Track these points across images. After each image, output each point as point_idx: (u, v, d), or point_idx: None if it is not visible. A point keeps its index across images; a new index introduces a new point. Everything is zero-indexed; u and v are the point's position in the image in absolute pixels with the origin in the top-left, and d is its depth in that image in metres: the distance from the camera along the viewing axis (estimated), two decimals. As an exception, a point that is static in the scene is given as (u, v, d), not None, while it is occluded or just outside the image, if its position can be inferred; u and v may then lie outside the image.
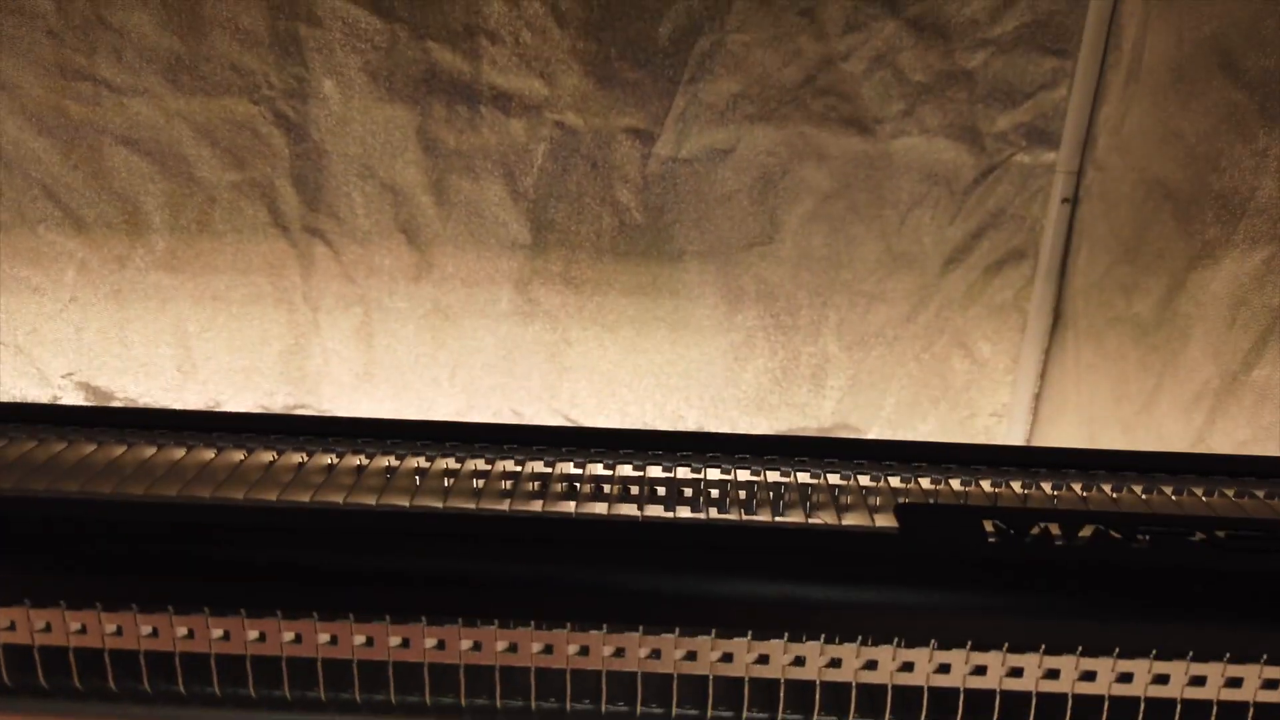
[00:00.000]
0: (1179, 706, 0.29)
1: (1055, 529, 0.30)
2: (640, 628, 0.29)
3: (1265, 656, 0.28)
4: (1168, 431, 0.82)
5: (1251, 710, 0.29)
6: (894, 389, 1.13)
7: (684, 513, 0.33)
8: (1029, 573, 0.28)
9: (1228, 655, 0.28)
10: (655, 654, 0.29)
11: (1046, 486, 0.34)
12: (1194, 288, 0.80)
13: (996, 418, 1.13)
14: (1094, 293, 0.98)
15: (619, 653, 0.30)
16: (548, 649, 0.29)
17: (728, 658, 0.29)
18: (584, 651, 0.30)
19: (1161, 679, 0.28)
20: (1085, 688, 0.29)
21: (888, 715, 0.30)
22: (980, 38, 1.01)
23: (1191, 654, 0.28)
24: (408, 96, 1.02)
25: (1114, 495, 0.34)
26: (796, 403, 1.13)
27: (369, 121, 1.03)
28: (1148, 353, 0.86)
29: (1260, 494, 0.34)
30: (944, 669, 0.29)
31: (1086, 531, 0.30)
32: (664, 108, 1.03)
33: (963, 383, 1.12)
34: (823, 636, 0.29)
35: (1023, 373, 1.09)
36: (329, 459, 0.37)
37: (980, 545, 0.29)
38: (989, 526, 0.30)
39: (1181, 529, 0.30)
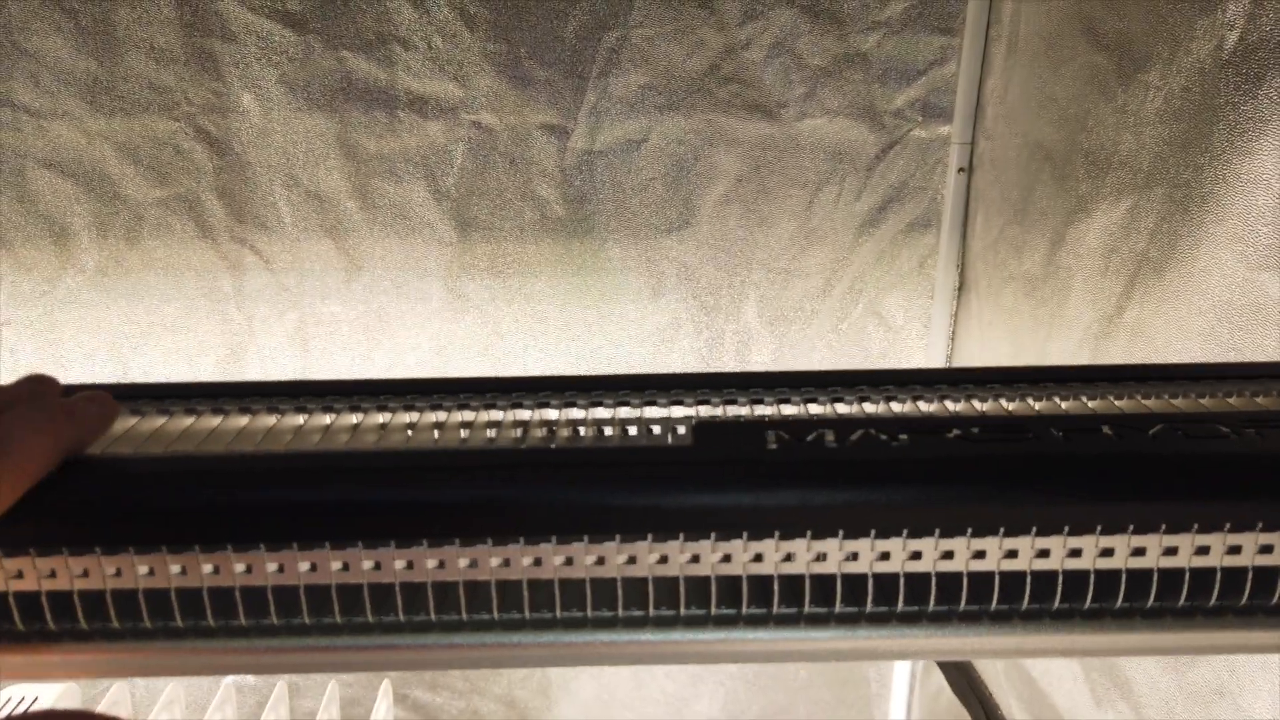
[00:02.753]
0: (933, 579, 0.34)
1: (830, 435, 0.35)
2: (489, 540, 0.34)
3: (1002, 530, 0.33)
4: (1058, 377, 0.87)
5: (997, 578, 0.34)
6: (816, 360, 1.18)
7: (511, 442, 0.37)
8: (801, 472, 0.33)
9: (970, 530, 0.33)
10: (474, 564, 0.34)
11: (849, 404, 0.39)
12: (1072, 241, 0.85)
13: (914, 381, 1.18)
14: (990, 254, 1.03)
15: (442, 565, 0.34)
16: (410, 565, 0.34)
17: (538, 562, 0.34)
18: (442, 565, 0.34)
19: (915, 555, 0.33)
20: (851, 567, 0.34)
21: (682, 606, 0.34)
22: (872, 20, 1.06)
23: (939, 531, 0.33)
24: (326, 105, 1.05)
25: (904, 405, 0.39)
26: (724, 379, 1.18)
27: (289, 132, 1.06)
28: (1037, 306, 0.91)
29: (1014, 396, 0.40)
30: (726, 559, 0.33)
31: (856, 435, 0.34)
32: (576, 103, 1.07)
33: (880, 349, 1.17)
34: (618, 537, 0.33)
35: (934, 336, 1.15)
36: (327, 418, 0.41)
37: (761, 451, 0.34)
38: (772, 436, 0.35)
39: (938, 428, 0.35)
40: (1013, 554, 0.34)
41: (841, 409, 0.39)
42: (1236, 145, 0.64)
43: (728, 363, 1.18)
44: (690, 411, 0.39)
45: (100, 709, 1.03)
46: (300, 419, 0.41)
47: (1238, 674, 0.66)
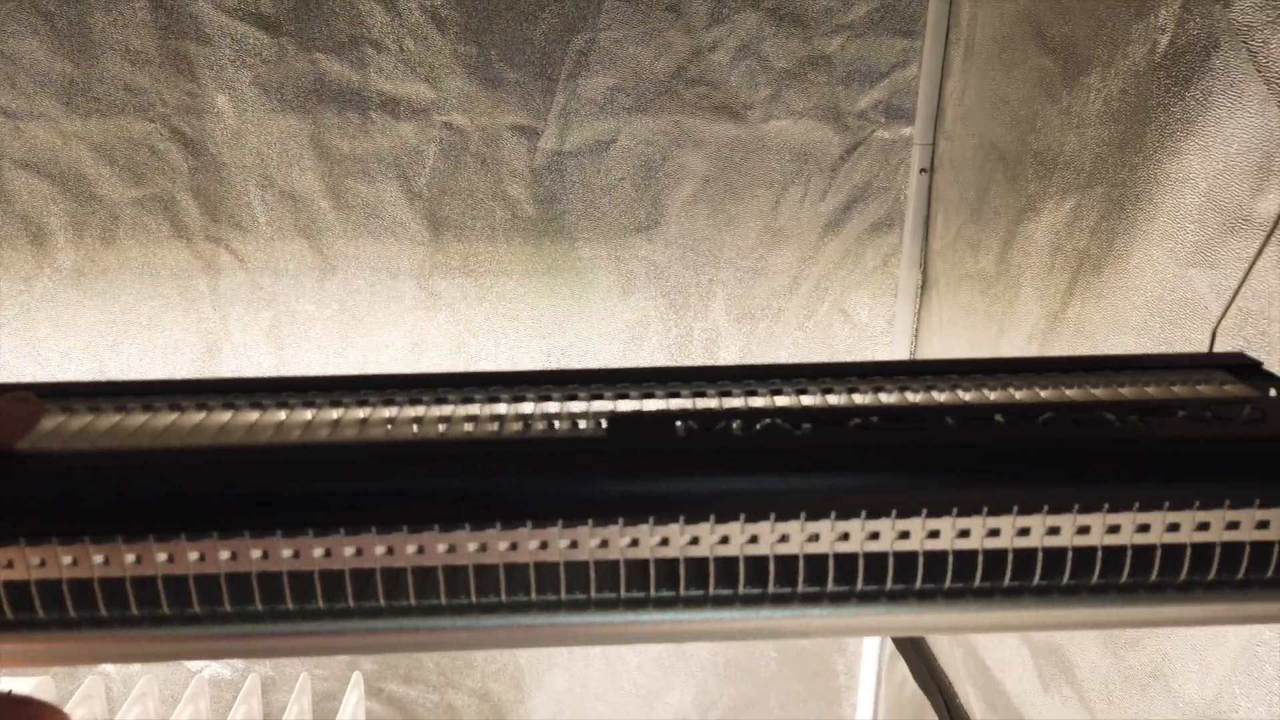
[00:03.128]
0: (830, 559, 0.36)
1: (737, 425, 0.37)
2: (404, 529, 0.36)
3: (895, 511, 0.35)
4: (1010, 372, 0.89)
5: (891, 558, 0.36)
6: (783, 356, 1.20)
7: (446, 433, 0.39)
8: (707, 460, 0.35)
9: (864, 513, 0.35)
10: (390, 551, 0.36)
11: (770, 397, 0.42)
12: (1022, 239, 0.88)
13: (879, 377, 1.20)
14: (949, 253, 1.06)
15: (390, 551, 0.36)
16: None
17: (453, 549, 0.36)
18: (360, 553, 0.36)
19: (813, 537, 0.35)
20: (752, 549, 0.36)
21: (592, 590, 0.36)
22: (836, 24, 1.09)
23: (834, 514, 0.35)
24: (299, 107, 1.07)
25: (810, 399, 0.41)
26: (693, 376, 1.20)
27: (264, 133, 1.08)
28: (991, 303, 0.94)
29: (918, 387, 0.42)
30: (634, 543, 0.35)
31: (762, 424, 0.36)
32: (546, 104, 1.09)
33: (845, 346, 1.19)
34: (529, 523, 0.35)
35: (898, 333, 1.17)
36: (308, 413, 0.43)
37: (670, 440, 0.36)
38: (680, 426, 0.37)
39: (840, 418, 0.37)
40: (904, 535, 0.36)
41: (755, 402, 0.41)
42: (1166, 145, 0.67)
43: (696, 360, 1.20)
44: (610, 405, 0.41)
45: (74, 702, 1.04)
46: (254, 415, 0.43)
47: (1170, 658, 0.68)
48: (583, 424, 0.39)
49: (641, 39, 1.08)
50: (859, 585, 0.38)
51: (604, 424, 0.38)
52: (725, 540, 0.36)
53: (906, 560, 0.36)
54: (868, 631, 0.41)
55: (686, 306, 1.17)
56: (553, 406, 0.41)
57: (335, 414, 0.42)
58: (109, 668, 1.14)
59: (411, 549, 0.36)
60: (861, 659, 1.28)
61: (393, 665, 1.25)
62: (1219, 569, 0.37)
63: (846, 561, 0.36)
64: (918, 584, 0.38)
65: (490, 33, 1.06)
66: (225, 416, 0.42)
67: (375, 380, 0.43)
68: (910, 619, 0.39)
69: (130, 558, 0.37)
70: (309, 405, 0.42)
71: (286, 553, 0.37)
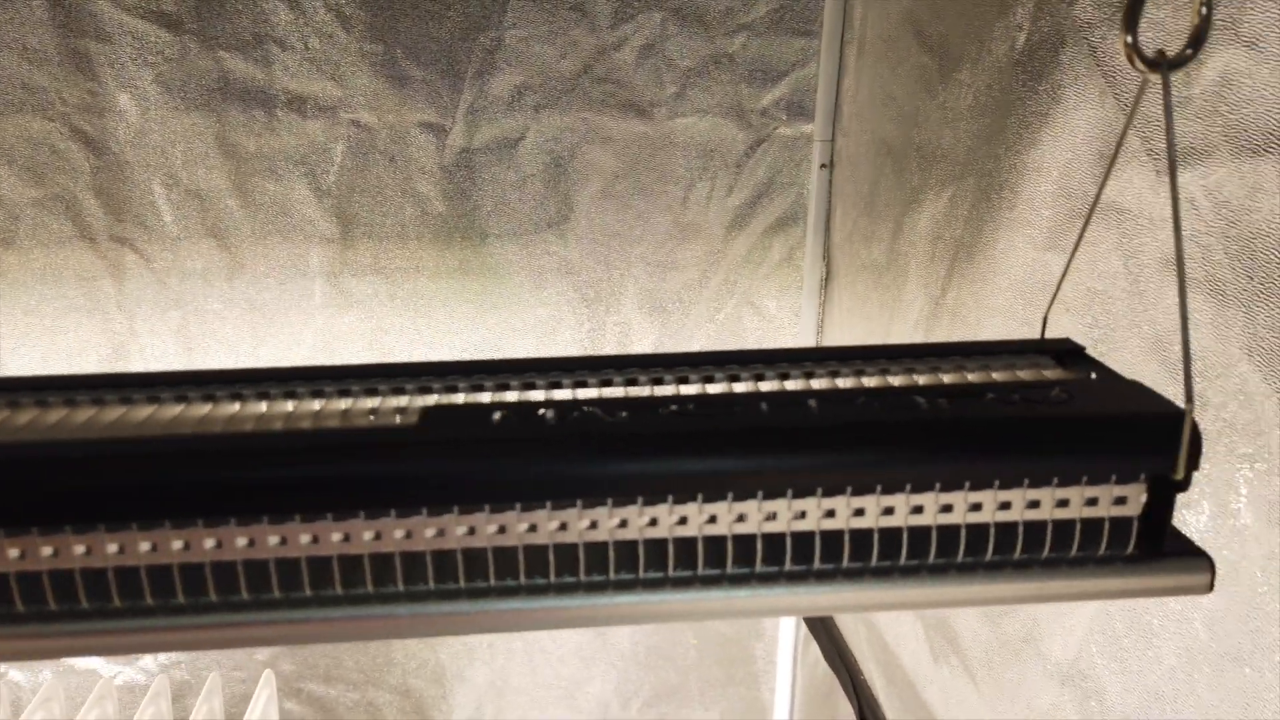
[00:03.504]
0: (670, 544, 0.38)
1: (551, 413, 0.38)
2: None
3: (670, 496, 0.37)
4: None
5: (759, 540, 0.38)
6: (694, 348, 1.23)
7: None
8: (518, 446, 0.36)
9: (670, 498, 0.37)
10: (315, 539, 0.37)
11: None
12: (908, 229, 0.91)
13: (788, 368, 1.23)
14: (847, 245, 1.09)
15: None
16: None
17: (284, 541, 0.37)
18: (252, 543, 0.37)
19: (653, 522, 0.37)
20: (591, 535, 0.37)
21: (430, 580, 0.37)
22: (737, 23, 1.11)
23: (671, 498, 0.37)
24: (204, 105, 1.07)
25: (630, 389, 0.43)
26: (606, 369, 1.22)
27: (167, 131, 1.07)
28: (883, 292, 0.97)
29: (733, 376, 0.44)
30: (471, 531, 0.37)
31: (576, 413, 0.38)
32: (453, 102, 1.10)
33: (755, 338, 1.22)
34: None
35: (804, 324, 1.20)
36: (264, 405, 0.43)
37: (485, 429, 0.37)
38: (497, 415, 0.38)
39: (657, 406, 0.39)
40: (712, 519, 0.38)
41: (581, 393, 0.43)
42: (1025, 137, 0.70)
43: (610, 351, 1.22)
44: (431, 399, 0.43)
45: (-23, 708, 1.02)
46: (179, 408, 0.43)
47: (1040, 623, 0.72)
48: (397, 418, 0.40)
49: (547, 37, 1.10)
50: (758, 567, 0.39)
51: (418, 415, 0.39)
52: (532, 528, 0.37)
53: (688, 544, 0.38)
54: (766, 612, 0.43)
55: (598, 301, 1.19)
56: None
57: (236, 407, 0.42)
58: (15, 674, 1.12)
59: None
60: (778, 644, 1.31)
61: (312, 665, 1.24)
62: (1022, 548, 0.39)
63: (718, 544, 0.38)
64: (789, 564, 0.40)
65: (396, 31, 1.07)
66: (119, 411, 0.42)
67: (292, 372, 0.44)
68: (808, 599, 0.41)
69: (47, 550, 0.38)
70: (212, 398, 0.43)
71: (209, 543, 0.38)
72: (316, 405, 0.42)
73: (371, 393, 0.43)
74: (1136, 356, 0.59)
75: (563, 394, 0.44)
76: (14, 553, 0.38)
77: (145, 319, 1.13)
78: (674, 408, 0.38)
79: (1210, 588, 0.37)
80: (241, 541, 0.38)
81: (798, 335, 1.22)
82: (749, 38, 1.12)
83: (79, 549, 0.38)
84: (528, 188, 1.14)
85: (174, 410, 0.42)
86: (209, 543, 0.38)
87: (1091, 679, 0.63)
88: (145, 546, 0.38)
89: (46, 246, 1.09)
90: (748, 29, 1.12)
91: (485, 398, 0.43)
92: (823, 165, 1.14)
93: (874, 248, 1.00)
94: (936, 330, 0.86)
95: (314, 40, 1.06)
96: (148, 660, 1.18)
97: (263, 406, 0.42)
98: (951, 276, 0.82)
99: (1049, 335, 0.71)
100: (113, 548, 0.38)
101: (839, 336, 1.15)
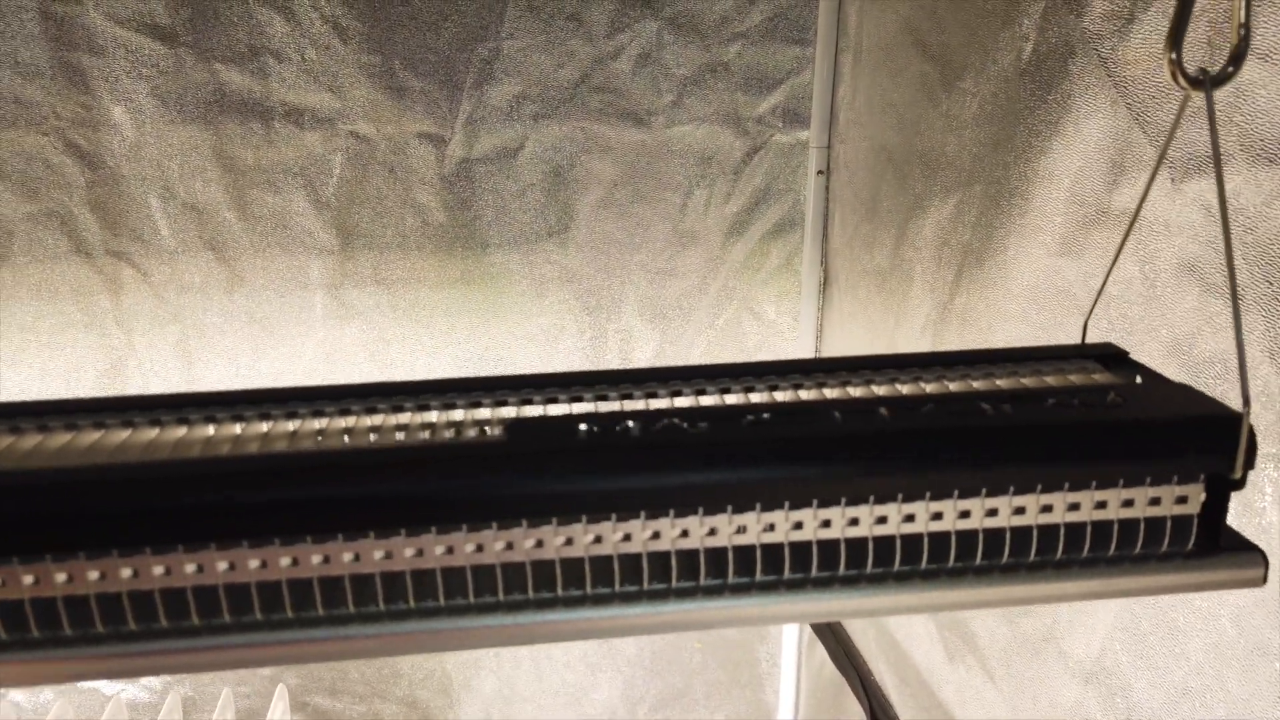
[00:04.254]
0: (730, 552, 0.39)
1: (635, 425, 0.38)
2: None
3: (786, 503, 0.37)
4: (907, 361, 0.94)
5: (787, 547, 0.38)
6: (695, 355, 1.23)
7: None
8: (610, 459, 0.37)
9: (759, 505, 0.37)
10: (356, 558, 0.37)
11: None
12: (912, 235, 0.93)
13: (787, 372, 1.25)
14: (847, 251, 1.10)
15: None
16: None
17: (357, 557, 0.37)
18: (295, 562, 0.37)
19: (712, 532, 0.38)
20: (654, 545, 0.37)
21: (499, 591, 0.38)
22: (732, 32, 1.12)
23: (730, 508, 0.37)
24: (200, 117, 1.06)
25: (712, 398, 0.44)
26: (608, 377, 1.22)
27: (163, 144, 1.06)
28: (887, 297, 0.99)
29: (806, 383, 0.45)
30: (539, 544, 0.37)
31: (661, 424, 0.39)
32: (452, 112, 1.10)
33: (755, 343, 1.23)
34: (434, 529, 0.36)
35: (803, 329, 1.22)
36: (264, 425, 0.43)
37: (572, 442, 0.37)
38: (582, 428, 0.38)
39: (734, 416, 0.39)
40: (798, 525, 0.39)
41: (655, 404, 0.44)
42: (1034, 145, 0.72)
43: (611, 360, 1.22)
44: (513, 411, 0.43)
45: (-18, 733, 1.01)
46: (182, 430, 0.43)
47: (1060, 622, 0.74)
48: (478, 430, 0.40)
49: (545, 47, 1.10)
50: (785, 574, 0.40)
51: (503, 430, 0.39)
52: (627, 538, 0.38)
53: (774, 551, 0.39)
54: (794, 618, 0.43)
55: (599, 309, 1.20)
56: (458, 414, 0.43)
57: (265, 427, 0.42)
58: (17, 695, 1.10)
59: (349, 556, 0.37)
60: (782, 647, 1.33)
61: (318, 678, 1.24)
62: (1091, 546, 0.40)
63: (757, 552, 0.39)
64: (784, 574, 0.40)
65: (393, 42, 1.07)
66: (151, 434, 0.42)
67: (297, 393, 0.44)
68: (828, 605, 0.41)
69: (61, 576, 0.37)
70: (226, 420, 0.43)
71: (222, 565, 0.38)
72: (386, 419, 0.42)
73: (449, 406, 0.43)
74: (1155, 360, 0.61)
75: (608, 406, 0.45)
76: (28, 579, 0.38)
77: (143, 334, 1.12)
78: (750, 418, 0.39)
79: (1264, 580, 0.39)
80: (284, 561, 0.38)
81: (797, 339, 1.23)
82: (744, 46, 1.13)
83: (156, 569, 0.38)
84: (528, 197, 1.14)
85: (246, 429, 0.42)
86: (253, 563, 0.38)
87: (1117, 676, 0.65)
88: (223, 565, 0.38)
89: (42, 262, 1.08)
90: (743, 38, 1.13)
91: (556, 410, 0.44)
92: (819, 171, 1.15)
93: (876, 253, 1.01)
94: (946, 334, 0.87)
95: (311, 52, 1.06)
96: (151, 678, 1.17)
97: (338, 422, 0.42)
98: (960, 281, 0.84)
99: (1063, 340, 0.72)
100: (223, 565, 0.38)
101: (839, 341, 1.16)
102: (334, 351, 1.16)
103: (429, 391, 0.44)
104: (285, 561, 0.39)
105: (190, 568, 0.38)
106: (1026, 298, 0.74)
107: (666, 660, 1.34)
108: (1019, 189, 0.74)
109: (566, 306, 1.19)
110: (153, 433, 0.42)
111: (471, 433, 0.40)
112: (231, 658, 0.41)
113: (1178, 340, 0.60)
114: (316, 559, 0.39)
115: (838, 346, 1.17)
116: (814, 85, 1.13)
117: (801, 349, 1.23)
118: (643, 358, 1.23)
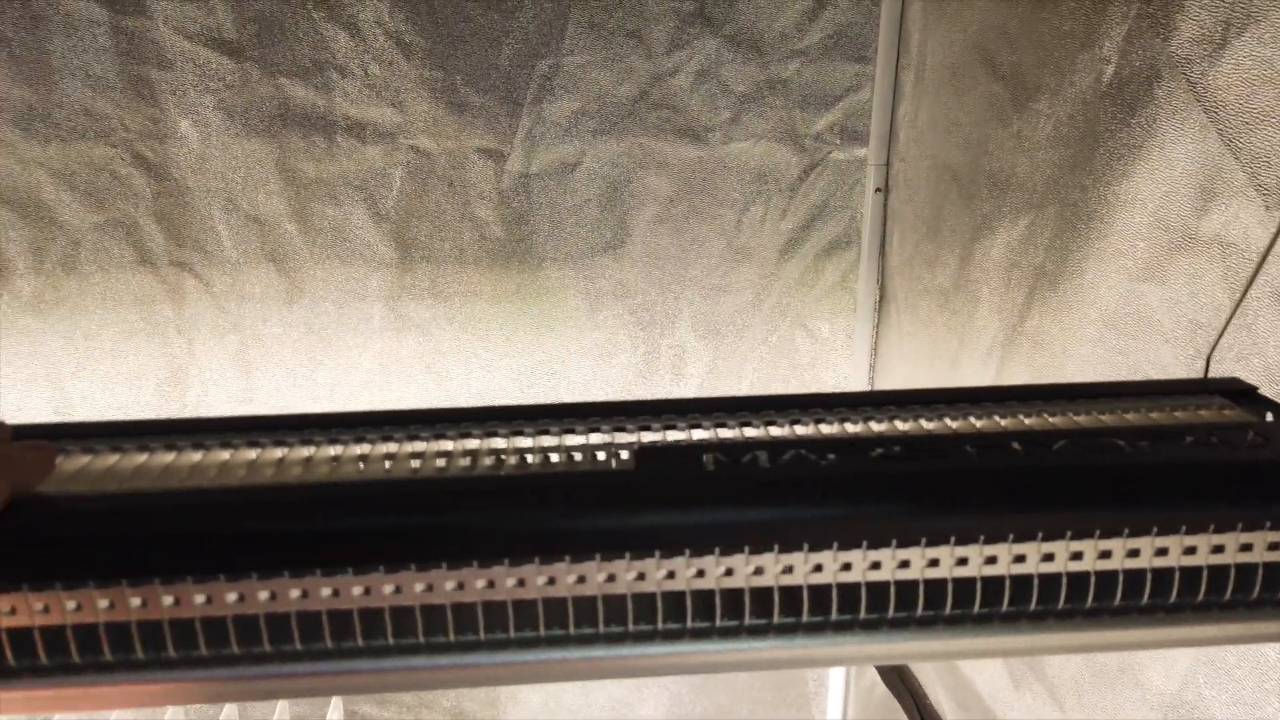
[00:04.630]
0: (863, 588, 0.38)
1: (764, 456, 0.38)
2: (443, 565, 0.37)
3: (895, 540, 0.37)
4: (970, 383, 0.93)
5: (893, 586, 0.37)
6: (748, 371, 1.23)
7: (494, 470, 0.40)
8: (737, 491, 0.36)
9: (894, 542, 0.36)
10: (429, 588, 0.37)
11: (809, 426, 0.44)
12: (979, 256, 0.92)
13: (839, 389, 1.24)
14: (906, 269, 1.10)
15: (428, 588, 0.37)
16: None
17: (491, 585, 0.36)
18: (399, 590, 0.37)
19: (845, 566, 0.37)
20: (786, 579, 0.37)
21: (630, 623, 0.37)
22: (791, 49, 1.12)
23: (866, 543, 0.37)
24: (264, 131, 1.07)
25: (840, 426, 0.43)
26: (661, 391, 1.22)
27: (228, 157, 1.07)
28: (950, 317, 0.98)
29: (933, 415, 0.44)
30: (670, 575, 0.36)
31: (788, 455, 0.38)
32: (511, 127, 1.11)
33: (807, 360, 1.23)
34: (567, 558, 0.36)
35: (858, 347, 1.21)
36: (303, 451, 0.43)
37: (699, 472, 0.37)
38: (709, 458, 0.38)
39: (863, 448, 0.39)
40: (934, 563, 0.38)
41: (775, 431, 0.43)
42: (1115, 168, 0.71)
43: (664, 376, 1.22)
44: (632, 437, 0.43)
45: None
46: (252, 453, 0.43)
47: (1137, 654, 0.72)
48: (602, 454, 0.40)
49: (604, 64, 1.10)
50: (861, 614, 0.39)
51: (631, 456, 0.39)
52: (759, 571, 0.37)
53: (909, 589, 0.38)
54: (867, 659, 0.43)
55: (653, 324, 1.20)
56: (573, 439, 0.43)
57: (363, 450, 0.42)
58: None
59: (451, 584, 0.37)
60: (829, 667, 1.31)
61: (365, 689, 1.24)
62: (1233, 590, 0.39)
63: (862, 590, 0.38)
64: (919, 611, 0.39)
65: (455, 58, 1.08)
66: (224, 456, 0.42)
67: (393, 416, 0.44)
68: (913, 646, 0.40)
69: (136, 601, 0.38)
70: (294, 444, 0.43)
71: (325, 591, 0.37)
72: (501, 443, 0.42)
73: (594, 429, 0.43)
74: (1248, 389, 0.59)
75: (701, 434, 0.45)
76: (70, 604, 0.37)
77: (204, 343, 1.13)
78: (880, 451, 0.38)
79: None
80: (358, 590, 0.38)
81: (851, 358, 1.22)
82: (803, 64, 1.13)
83: (262, 594, 0.38)
84: (584, 212, 1.15)
85: (317, 453, 0.42)
86: (325, 591, 0.38)
87: (1200, 710, 0.63)
88: (326, 591, 0.38)
89: (107, 271, 1.09)
90: (802, 55, 1.13)
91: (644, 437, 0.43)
92: (877, 189, 1.15)
93: (938, 272, 1.00)
94: (1014, 356, 0.86)
95: (374, 67, 1.07)
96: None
97: (447, 445, 0.42)
98: (1031, 304, 0.83)
99: (1145, 366, 0.71)
100: (295, 593, 0.38)
101: (895, 360, 1.15)
102: (390, 363, 1.16)
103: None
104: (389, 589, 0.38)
105: (264, 594, 0.38)
106: (1104, 322, 0.73)
107: (712, 678, 1.33)
108: (1098, 212, 0.73)
109: (620, 321, 1.19)
110: (254, 453, 0.43)
111: (591, 461, 0.39)
112: (302, 686, 0.41)
113: (1270, 369, 0.58)
114: (419, 587, 0.39)
115: (893, 366, 1.16)
116: (873, 103, 1.13)
117: (855, 367, 1.23)
118: (695, 373, 1.23)
